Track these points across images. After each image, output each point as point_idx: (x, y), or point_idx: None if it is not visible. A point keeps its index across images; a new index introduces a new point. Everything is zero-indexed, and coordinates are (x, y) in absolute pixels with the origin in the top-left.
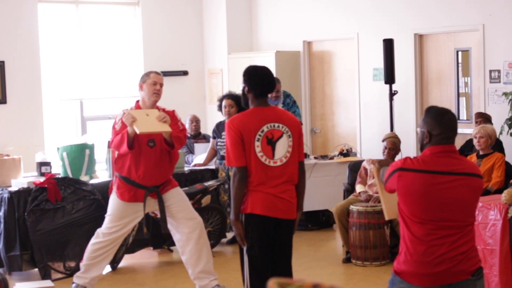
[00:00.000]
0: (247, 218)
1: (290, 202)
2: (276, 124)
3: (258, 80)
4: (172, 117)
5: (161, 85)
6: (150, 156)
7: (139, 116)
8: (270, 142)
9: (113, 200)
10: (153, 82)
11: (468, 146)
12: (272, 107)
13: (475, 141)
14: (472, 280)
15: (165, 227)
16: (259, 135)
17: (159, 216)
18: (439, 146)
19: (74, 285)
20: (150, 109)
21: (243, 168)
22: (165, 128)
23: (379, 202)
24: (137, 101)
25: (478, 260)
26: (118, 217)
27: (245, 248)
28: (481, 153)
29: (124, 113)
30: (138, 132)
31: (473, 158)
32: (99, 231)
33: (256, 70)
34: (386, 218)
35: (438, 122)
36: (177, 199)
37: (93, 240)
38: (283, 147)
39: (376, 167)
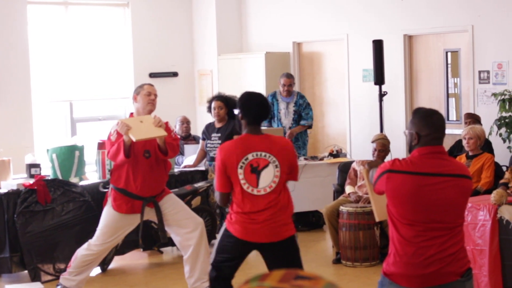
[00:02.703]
0: (226, 233)
1: (275, 226)
2: (263, 153)
3: (252, 107)
4: (166, 128)
5: (155, 95)
6: (147, 167)
7: (134, 124)
8: (255, 171)
9: (108, 213)
10: (148, 93)
11: (458, 147)
12: (265, 136)
13: (464, 142)
14: (462, 281)
15: (164, 236)
16: (243, 163)
17: (157, 226)
18: (427, 147)
19: (60, 287)
20: (144, 116)
21: (225, 194)
22: (161, 132)
23: (369, 203)
24: (131, 114)
25: (468, 261)
26: (113, 230)
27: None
28: (470, 153)
29: (118, 123)
30: (134, 140)
31: (462, 158)
32: (91, 242)
33: (250, 97)
34: (377, 219)
35: (426, 123)
36: (171, 203)
37: (83, 252)
38: (268, 177)
39: (366, 169)
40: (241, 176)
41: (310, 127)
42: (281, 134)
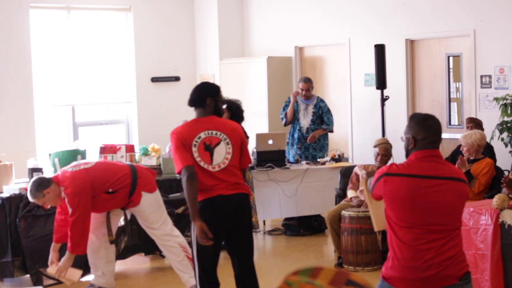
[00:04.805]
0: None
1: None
2: (214, 132)
3: (192, 93)
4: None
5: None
6: (110, 200)
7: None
8: (208, 148)
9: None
10: None
11: (460, 152)
12: (212, 117)
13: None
14: (460, 285)
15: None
16: (196, 141)
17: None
18: (424, 151)
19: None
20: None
21: (190, 166)
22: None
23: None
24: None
25: (466, 265)
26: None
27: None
28: (471, 158)
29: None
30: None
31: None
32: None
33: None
34: (376, 229)
35: (422, 127)
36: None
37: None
38: (220, 154)
39: (364, 179)
40: (196, 155)
41: (331, 131)
42: (282, 139)
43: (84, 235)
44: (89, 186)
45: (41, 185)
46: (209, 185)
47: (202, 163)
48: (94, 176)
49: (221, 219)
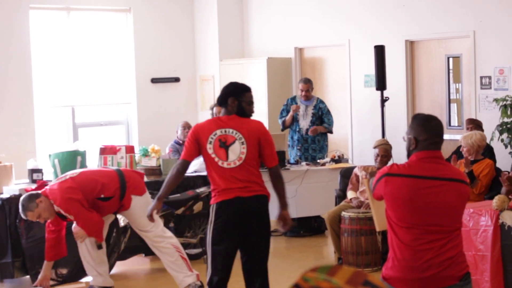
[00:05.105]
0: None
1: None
2: (230, 130)
3: (223, 93)
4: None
5: None
6: (106, 205)
7: None
8: (223, 145)
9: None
10: None
11: (460, 152)
12: (233, 116)
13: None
14: (460, 286)
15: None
16: (211, 138)
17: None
18: (425, 151)
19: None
20: None
21: (185, 162)
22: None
23: (370, 208)
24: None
25: (466, 266)
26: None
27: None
28: (470, 159)
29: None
30: None
31: (463, 163)
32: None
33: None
34: (377, 229)
35: (424, 128)
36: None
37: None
38: (235, 152)
39: (367, 179)
40: (210, 151)
41: (331, 132)
42: (282, 140)
43: (97, 228)
44: (78, 190)
45: (32, 196)
46: (224, 187)
47: (216, 159)
48: (81, 183)
49: (239, 222)
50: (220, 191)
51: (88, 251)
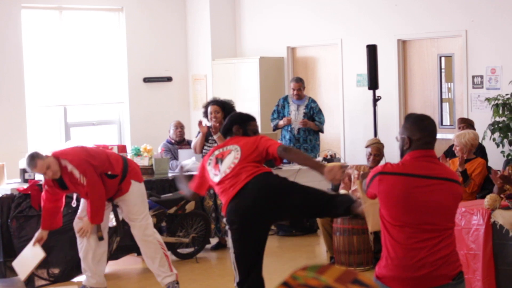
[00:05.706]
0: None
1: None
2: (228, 147)
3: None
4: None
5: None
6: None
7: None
8: (219, 161)
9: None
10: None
11: (452, 151)
12: (235, 137)
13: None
14: (453, 285)
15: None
16: (210, 160)
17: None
18: (418, 151)
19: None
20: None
21: (195, 194)
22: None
23: None
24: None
25: (459, 265)
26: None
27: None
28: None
29: None
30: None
31: (455, 162)
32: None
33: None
34: (370, 230)
35: (418, 127)
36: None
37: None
38: (227, 162)
39: (359, 181)
40: (211, 173)
41: (321, 131)
42: (274, 139)
43: (101, 203)
44: (93, 157)
45: (40, 153)
46: (225, 190)
47: (211, 176)
48: (91, 154)
49: (252, 208)
50: (225, 196)
51: (91, 248)
